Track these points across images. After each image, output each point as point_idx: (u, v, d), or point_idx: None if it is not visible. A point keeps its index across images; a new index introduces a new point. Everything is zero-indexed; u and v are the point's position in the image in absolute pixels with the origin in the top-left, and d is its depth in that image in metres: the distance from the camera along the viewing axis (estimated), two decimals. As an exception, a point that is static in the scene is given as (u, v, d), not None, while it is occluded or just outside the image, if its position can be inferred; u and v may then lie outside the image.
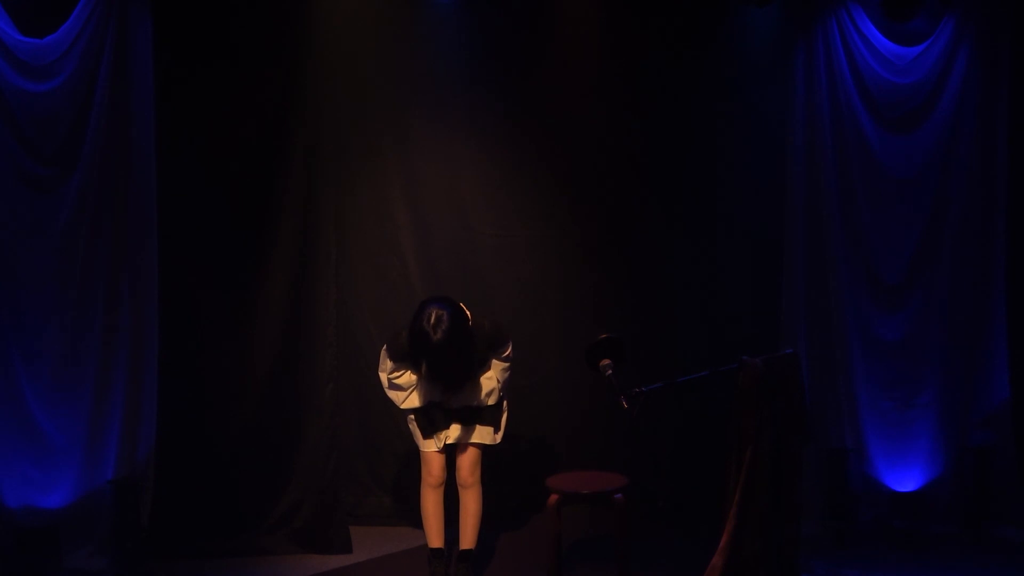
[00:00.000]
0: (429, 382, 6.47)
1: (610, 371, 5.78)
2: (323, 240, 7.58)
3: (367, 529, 7.85)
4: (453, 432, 6.59)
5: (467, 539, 6.70)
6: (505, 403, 6.71)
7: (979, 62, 7.62)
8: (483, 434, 6.63)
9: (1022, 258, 7.70)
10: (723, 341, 7.63)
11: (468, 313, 6.33)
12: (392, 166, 8.00)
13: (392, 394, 6.61)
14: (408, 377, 6.53)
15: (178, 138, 7.32)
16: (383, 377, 6.60)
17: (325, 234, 7.59)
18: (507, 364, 6.61)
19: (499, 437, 6.70)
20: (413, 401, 6.58)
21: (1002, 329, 7.67)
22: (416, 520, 6.97)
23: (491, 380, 6.56)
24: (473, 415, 6.59)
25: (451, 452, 6.70)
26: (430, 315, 6.08)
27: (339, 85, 7.68)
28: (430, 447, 6.62)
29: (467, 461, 6.64)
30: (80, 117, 7.03)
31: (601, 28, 7.98)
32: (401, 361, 6.49)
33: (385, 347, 6.57)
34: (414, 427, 6.67)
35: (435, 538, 6.70)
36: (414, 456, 6.71)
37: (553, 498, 6.31)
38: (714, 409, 7.07)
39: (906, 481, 7.69)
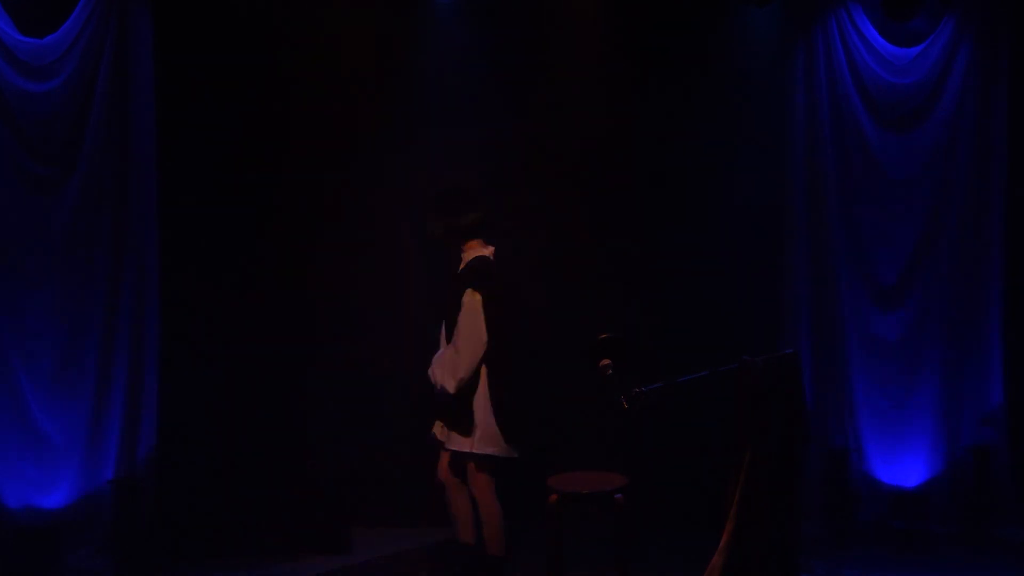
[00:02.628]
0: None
1: (610, 371, 5.78)
2: (325, 240, 7.59)
3: (367, 529, 7.85)
4: (438, 428, 6.42)
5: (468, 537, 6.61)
6: (478, 415, 6.23)
7: (979, 62, 7.62)
8: (457, 440, 6.28)
9: (1019, 258, 7.70)
10: (723, 341, 7.62)
11: (487, 255, 6.30)
12: (393, 165, 8.00)
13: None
14: None
15: (178, 138, 7.32)
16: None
17: (327, 234, 7.59)
18: (468, 330, 6.14)
19: (476, 447, 6.22)
20: None
21: (995, 330, 7.67)
22: (416, 520, 6.96)
23: (453, 352, 6.17)
24: (448, 412, 6.30)
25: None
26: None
27: (339, 85, 7.68)
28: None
29: (444, 459, 6.47)
30: (80, 117, 7.04)
31: (601, 29, 7.98)
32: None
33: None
34: None
35: (458, 531, 6.59)
36: (415, 456, 6.70)
37: (553, 498, 6.31)
38: (714, 409, 7.06)
39: (906, 481, 7.69)
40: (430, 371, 6.31)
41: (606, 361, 5.80)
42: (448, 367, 6.18)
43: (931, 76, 7.66)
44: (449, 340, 6.29)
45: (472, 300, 6.18)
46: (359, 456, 8.08)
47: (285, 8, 7.50)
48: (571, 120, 8.00)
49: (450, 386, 6.17)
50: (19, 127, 6.93)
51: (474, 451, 6.27)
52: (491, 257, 6.36)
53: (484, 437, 6.27)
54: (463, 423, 6.25)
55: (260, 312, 7.54)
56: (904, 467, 7.71)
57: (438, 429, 6.40)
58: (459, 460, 6.41)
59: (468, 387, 6.20)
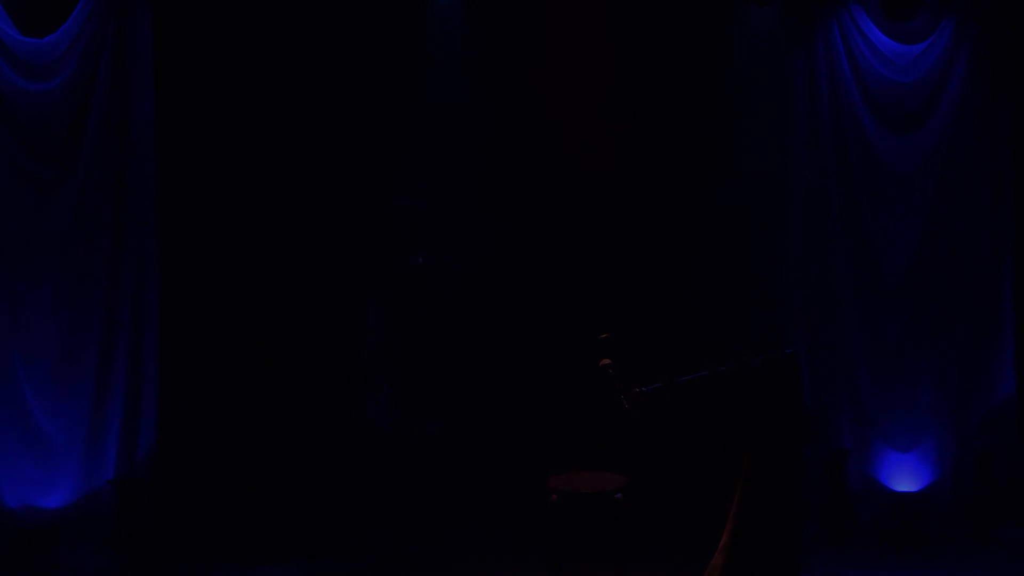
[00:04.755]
0: None
1: (611, 371, 5.78)
2: (326, 239, 7.59)
3: (367, 529, 7.85)
4: None
5: None
6: None
7: (981, 60, 7.62)
8: None
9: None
10: (723, 341, 7.62)
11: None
12: (393, 162, 8.00)
13: None
14: None
15: (178, 137, 7.33)
16: None
17: (328, 233, 7.60)
18: None
19: None
20: None
21: (1008, 329, 7.66)
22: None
23: None
24: None
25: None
26: None
27: (339, 82, 7.68)
28: None
29: None
30: (80, 117, 7.05)
31: (601, 29, 7.98)
32: None
33: None
34: None
35: None
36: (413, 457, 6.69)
37: (553, 498, 6.31)
38: (714, 409, 7.07)
39: (907, 481, 7.69)
40: None
41: (606, 361, 5.80)
42: None
43: (933, 74, 7.66)
44: None
45: None
46: (359, 456, 8.09)
47: (284, 7, 7.49)
48: (569, 120, 8.00)
49: None
50: (19, 127, 6.94)
51: None
52: None
53: None
54: None
55: (260, 312, 7.54)
56: (905, 468, 7.71)
57: None
58: None
59: None
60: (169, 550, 7.22)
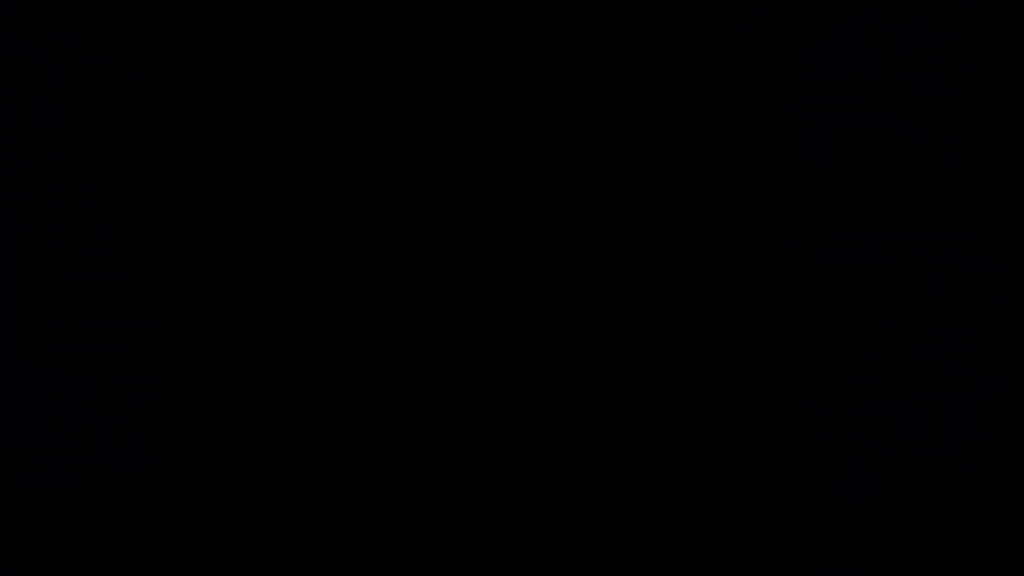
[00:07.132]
0: None
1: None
2: (324, 231, 7.59)
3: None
4: None
5: None
6: None
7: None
8: None
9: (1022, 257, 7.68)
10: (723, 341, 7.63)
11: None
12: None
13: None
14: None
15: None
16: None
17: (328, 227, 7.60)
18: None
19: None
20: None
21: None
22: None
23: None
24: None
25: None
26: None
27: (345, 80, 7.69)
28: None
29: None
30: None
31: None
32: None
33: None
34: None
35: None
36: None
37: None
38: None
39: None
40: None
41: (606, 360, 5.80)
42: None
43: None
44: None
45: None
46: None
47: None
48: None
49: None
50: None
51: None
52: None
53: None
54: None
55: (264, 312, 7.54)
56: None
57: None
58: None
59: None
60: (170, 553, 7.22)
